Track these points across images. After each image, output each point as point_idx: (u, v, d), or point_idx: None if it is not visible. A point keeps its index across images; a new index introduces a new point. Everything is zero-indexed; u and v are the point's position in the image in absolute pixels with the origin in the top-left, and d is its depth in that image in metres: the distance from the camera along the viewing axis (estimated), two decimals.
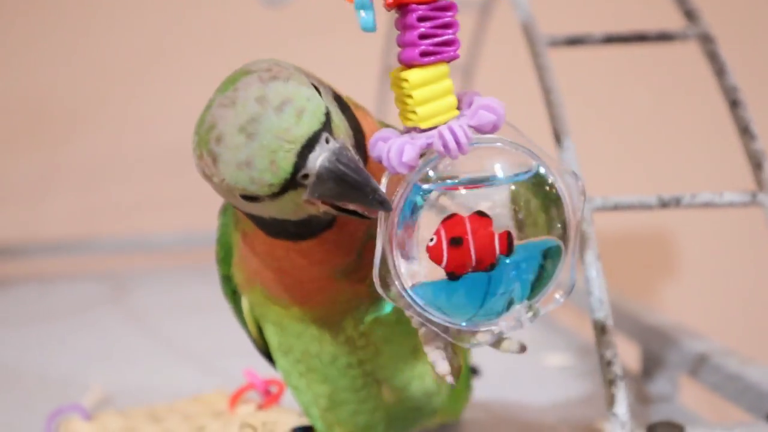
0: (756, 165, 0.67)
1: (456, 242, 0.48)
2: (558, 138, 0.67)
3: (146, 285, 1.46)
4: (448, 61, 0.49)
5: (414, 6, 0.48)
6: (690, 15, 0.75)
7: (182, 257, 1.58)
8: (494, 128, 0.49)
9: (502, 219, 0.48)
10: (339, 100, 0.52)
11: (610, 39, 0.75)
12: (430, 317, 0.50)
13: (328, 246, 0.53)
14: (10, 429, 0.85)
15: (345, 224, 0.53)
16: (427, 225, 0.48)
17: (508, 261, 0.48)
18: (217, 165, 0.48)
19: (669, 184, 1.42)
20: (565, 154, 0.66)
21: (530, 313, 0.50)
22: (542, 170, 0.49)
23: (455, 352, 0.54)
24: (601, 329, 0.62)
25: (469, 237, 0.48)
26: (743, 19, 1.54)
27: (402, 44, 0.49)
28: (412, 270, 0.49)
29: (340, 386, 0.60)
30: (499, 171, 0.49)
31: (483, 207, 0.48)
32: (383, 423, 0.62)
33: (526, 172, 0.49)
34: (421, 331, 0.53)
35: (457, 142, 0.48)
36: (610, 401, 0.60)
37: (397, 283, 0.49)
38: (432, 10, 0.48)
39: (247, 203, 0.50)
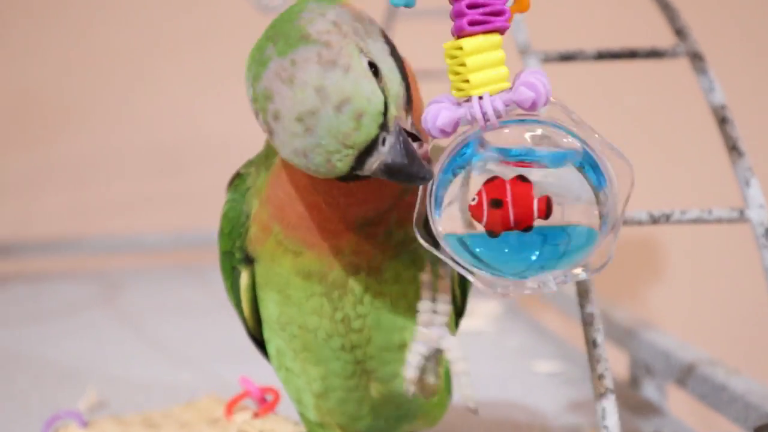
0: (744, 182, 0.69)
1: (496, 204, 0.50)
2: None
3: (138, 285, 1.47)
4: (499, 31, 0.50)
5: None
6: (680, 33, 0.76)
7: (174, 257, 1.58)
8: (533, 106, 0.50)
9: (547, 187, 0.50)
10: (394, 53, 0.53)
11: (602, 55, 0.76)
12: (458, 261, 0.52)
13: (369, 187, 0.55)
14: (5, 430, 0.85)
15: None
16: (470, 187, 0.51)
17: (545, 229, 0.50)
18: (273, 138, 0.50)
19: (658, 199, 1.44)
20: None
21: (558, 279, 0.52)
22: (589, 152, 0.51)
23: (438, 363, 0.56)
24: (592, 343, 0.63)
25: (509, 200, 0.50)
26: (732, 37, 1.56)
27: (453, 16, 0.50)
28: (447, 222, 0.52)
29: (331, 370, 0.60)
30: (545, 152, 0.51)
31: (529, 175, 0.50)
32: (369, 417, 0.63)
33: (565, 156, 0.51)
34: (421, 315, 0.56)
35: (486, 115, 0.49)
36: (602, 414, 0.61)
37: (434, 227, 0.51)
38: None
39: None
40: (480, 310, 1.22)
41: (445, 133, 0.50)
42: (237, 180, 0.61)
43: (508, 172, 0.51)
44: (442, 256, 0.52)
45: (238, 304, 0.63)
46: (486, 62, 0.50)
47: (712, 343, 1.03)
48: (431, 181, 0.51)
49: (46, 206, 1.62)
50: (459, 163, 0.51)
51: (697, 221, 0.68)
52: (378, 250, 0.57)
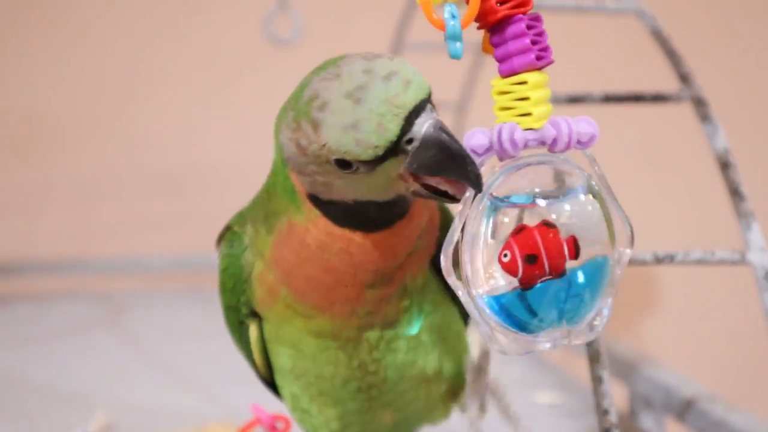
0: (745, 225, 0.71)
1: (531, 260, 0.51)
2: None
3: (142, 307, 1.48)
4: (547, 65, 0.52)
5: (520, 15, 0.51)
6: (684, 78, 0.79)
7: (178, 280, 1.59)
8: (591, 140, 0.52)
9: (571, 228, 0.51)
10: None
11: (609, 99, 0.78)
12: (484, 317, 0.52)
13: (392, 241, 0.55)
14: None
15: (413, 217, 0.55)
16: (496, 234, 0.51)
17: (577, 269, 0.51)
18: (319, 130, 0.50)
19: (661, 239, 1.46)
20: None
21: (569, 338, 0.53)
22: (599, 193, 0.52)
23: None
24: (598, 379, 0.65)
25: (542, 252, 0.51)
26: (735, 83, 1.59)
27: (507, 55, 0.52)
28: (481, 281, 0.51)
29: (348, 409, 0.62)
30: (568, 186, 0.52)
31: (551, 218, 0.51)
32: None
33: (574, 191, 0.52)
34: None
35: (570, 135, 0.51)
36: None
37: (465, 276, 0.51)
38: (531, 20, 0.52)
39: (339, 176, 0.51)
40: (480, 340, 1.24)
41: (516, 149, 0.50)
42: (230, 235, 0.61)
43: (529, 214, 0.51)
44: (472, 311, 0.52)
45: (248, 354, 0.64)
46: (544, 97, 0.52)
47: (709, 378, 1.05)
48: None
49: (50, 227, 1.62)
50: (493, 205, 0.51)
51: (700, 262, 0.70)
52: (393, 307, 0.58)
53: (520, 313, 0.51)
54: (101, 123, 1.63)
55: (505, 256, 0.51)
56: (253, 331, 0.61)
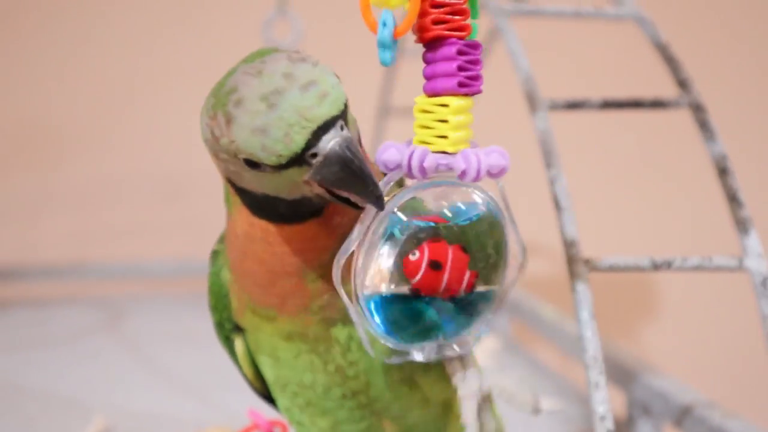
0: (743, 231, 0.71)
1: (435, 266, 0.52)
2: (557, 201, 0.71)
3: (141, 312, 1.48)
4: (474, 94, 0.53)
5: (454, 39, 0.52)
6: (683, 84, 0.79)
7: (177, 285, 1.59)
8: (501, 173, 0.52)
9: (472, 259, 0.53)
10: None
11: (608, 104, 0.79)
12: (371, 324, 0.53)
13: (308, 235, 0.55)
14: None
15: (330, 217, 0.55)
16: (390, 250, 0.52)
17: (462, 299, 0.53)
18: (231, 126, 0.50)
19: (659, 245, 1.47)
20: (564, 217, 0.70)
21: (435, 350, 0.55)
22: (498, 218, 0.54)
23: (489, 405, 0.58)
24: (595, 385, 0.65)
25: (448, 266, 0.52)
26: (734, 89, 1.59)
27: (433, 75, 0.52)
28: (367, 280, 0.52)
29: (340, 419, 0.61)
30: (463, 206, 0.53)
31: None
32: None
33: (479, 213, 0.53)
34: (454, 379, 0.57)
35: (479, 170, 0.51)
36: None
37: (355, 283, 0.52)
38: (466, 46, 0.52)
39: (247, 170, 0.52)
40: (478, 347, 1.24)
41: (423, 175, 0.52)
42: (212, 255, 0.62)
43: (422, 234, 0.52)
44: (354, 314, 0.53)
45: (240, 369, 0.64)
46: (463, 123, 0.52)
47: (707, 384, 1.05)
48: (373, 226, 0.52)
49: (51, 232, 1.63)
50: (401, 222, 0.52)
51: (697, 269, 0.70)
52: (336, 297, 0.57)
53: (390, 314, 0.53)
54: (102, 128, 1.63)
55: (413, 254, 0.52)
56: (238, 345, 0.62)
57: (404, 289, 0.52)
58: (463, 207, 0.53)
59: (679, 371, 1.02)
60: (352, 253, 0.53)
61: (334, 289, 0.55)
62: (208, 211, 1.64)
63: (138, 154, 1.64)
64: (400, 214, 0.52)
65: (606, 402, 0.64)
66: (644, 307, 1.58)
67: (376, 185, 0.50)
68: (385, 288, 0.52)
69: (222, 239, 0.62)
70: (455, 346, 0.55)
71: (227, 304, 0.61)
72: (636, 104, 0.79)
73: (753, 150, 1.54)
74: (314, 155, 0.50)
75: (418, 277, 0.52)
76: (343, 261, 0.52)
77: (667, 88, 0.83)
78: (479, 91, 0.53)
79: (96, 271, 1.58)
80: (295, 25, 1.08)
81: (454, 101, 0.52)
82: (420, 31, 0.52)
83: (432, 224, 0.53)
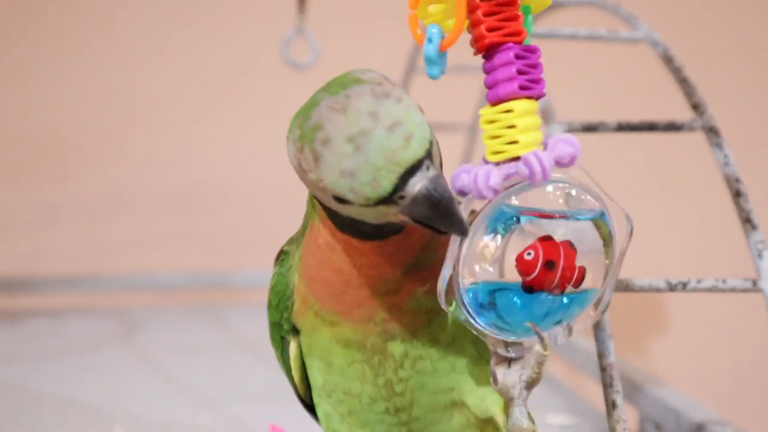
0: (756, 254, 0.73)
1: (550, 265, 0.53)
2: None
3: (155, 324, 1.49)
4: (537, 97, 0.54)
5: (511, 44, 0.53)
6: (696, 108, 0.80)
7: (191, 297, 1.61)
8: (572, 160, 0.53)
9: (581, 257, 0.54)
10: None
11: (622, 127, 0.80)
12: (483, 330, 0.55)
13: (387, 251, 0.57)
14: None
15: (409, 235, 0.57)
16: (512, 247, 0.54)
17: (572, 295, 0.54)
18: (319, 165, 0.51)
19: (673, 267, 1.48)
20: None
21: (566, 332, 0.56)
22: (605, 214, 0.55)
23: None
24: (612, 404, 0.66)
25: (560, 264, 0.53)
26: (748, 112, 1.60)
27: (494, 82, 0.54)
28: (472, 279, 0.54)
29: (377, 431, 0.63)
30: (573, 207, 0.54)
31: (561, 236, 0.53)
32: None
33: (592, 213, 0.54)
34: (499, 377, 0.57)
35: (542, 167, 0.52)
36: None
37: (458, 296, 0.54)
38: (523, 50, 0.53)
39: (336, 203, 0.53)
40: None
41: (495, 193, 0.53)
42: (282, 256, 0.64)
43: (536, 230, 0.54)
44: (462, 320, 0.55)
45: (288, 371, 0.65)
46: (531, 125, 0.53)
47: (719, 402, 1.06)
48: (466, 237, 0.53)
49: (65, 243, 1.64)
50: (500, 221, 0.54)
51: (712, 290, 0.71)
52: (409, 317, 0.59)
53: (503, 304, 0.54)
54: (115, 141, 1.64)
55: (529, 254, 0.53)
56: (293, 347, 0.63)
57: (516, 284, 0.53)
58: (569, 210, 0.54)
59: (691, 388, 1.03)
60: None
61: (401, 304, 0.58)
62: (221, 223, 1.66)
63: (152, 165, 1.65)
64: (508, 209, 0.53)
65: (623, 421, 0.66)
66: (656, 323, 1.59)
67: (461, 220, 0.52)
68: (492, 281, 0.54)
69: (292, 241, 0.64)
70: (555, 336, 0.56)
71: (289, 305, 0.62)
72: (650, 127, 0.80)
73: (767, 171, 1.55)
74: (402, 197, 0.52)
75: (534, 275, 0.53)
76: (444, 284, 0.54)
77: (680, 110, 0.84)
78: (542, 94, 0.54)
79: (110, 283, 1.59)
80: (313, 44, 1.10)
81: (518, 105, 0.53)
82: (476, 41, 0.54)
83: (536, 218, 0.54)
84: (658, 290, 0.71)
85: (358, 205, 0.52)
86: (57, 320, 1.50)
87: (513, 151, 0.53)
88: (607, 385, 0.67)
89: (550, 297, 0.54)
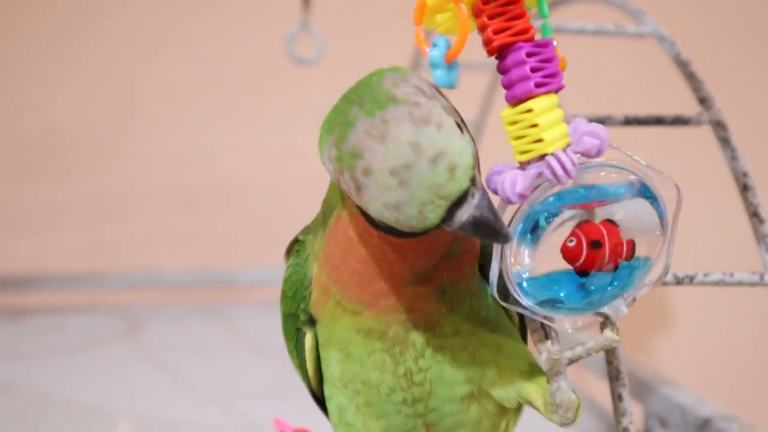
0: (764, 247, 0.72)
1: (595, 245, 0.54)
2: None
3: (159, 321, 1.49)
4: (557, 90, 0.54)
5: (520, 44, 0.53)
6: (704, 102, 0.80)
7: (195, 295, 1.60)
8: (599, 152, 0.53)
9: (627, 231, 0.55)
10: (462, 121, 0.55)
11: (629, 121, 0.79)
12: (539, 313, 0.56)
13: (422, 246, 0.56)
14: None
15: (435, 234, 0.56)
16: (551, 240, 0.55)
17: (627, 264, 0.55)
18: (362, 194, 0.51)
19: (680, 260, 1.47)
20: None
21: (629, 300, 0.57)
22: (648, 185, 0.55)
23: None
24: (618, 397, 0.66)
25: (606, 241, 0.53)
26: (754, 105, 1.60)
27: (510, 83, 0.53)
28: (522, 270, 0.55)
29: (392, 424, 0.62)
30: (612, 187, 0.55)
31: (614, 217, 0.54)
32: None
33: (630, 188, 0.55)
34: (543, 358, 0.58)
35: (564, 168, 0.52)
36: None
37: (511, 289, 0.55)
38: (534, 46, 0.53)
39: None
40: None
41: (523, 198, 0.53)
42: (297, 245, 0.63)
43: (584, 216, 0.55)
44: (519, 310, 0.56)
45: (301, 364, 0.65)
46: (554, 120, 0.53)
47: (725, 398, 1.06)
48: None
49: (69, 241, 1.64)
50: (548, 211, 0.54)
51: (719, 284, 0.71)
52: (433, 306, 0.59)
53: (561, 289, 0.55)
54: (119, 139, 1.64)
55: (571, 241, 0.54)
56: (308, 339, 0.63)
57: (570, 272, 0.54)
58: (609, 188, 0.55)
59: (696, 384, 1.03)
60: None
61: (427, 294, 0.58)
62: (224, 221, 1.66)
63: (154, 164, 1.65)
64: (543, 207, 0.54)
65: (629, 414, 0.66)
66: (661, 319, 1.59)
67: (505, 234, 0.52)
68: (543, 273, 0.55)
69: (308, 230, 0.63)
70: (618, 308, 0.57)
71: (306, 295, 0.62)
72: (657, 121, 0.80)
73: None
74: (449, 224, 0.52)
75: (582, 259, 0.54)
76: (495, 279, 0.55)
77: (688, 104, 0.84)
78: (561, 86, 0.54)
79: (114, 281, 1.59)
80: (317, 40, 1.09)
81: (536, 103, 0.53)
82: (485, 44, 0.53)
83: (576, 211, 0.55)
84: (665, 284, 0.70)
85: (403, 227, 0.52)
86: (61, 318, 1.50)
87: (540, 149, 0.53)
88: (613, 378, 0.66)
89: (606, 274, 0.55)
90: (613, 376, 0.67)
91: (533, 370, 0.62)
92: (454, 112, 0.54)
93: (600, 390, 1.09)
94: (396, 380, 0.61)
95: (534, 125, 0.53)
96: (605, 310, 0.56)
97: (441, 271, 0.58)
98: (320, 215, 0.62)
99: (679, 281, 0.71)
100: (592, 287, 0.55)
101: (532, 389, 0.61)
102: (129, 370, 1.22)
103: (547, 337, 0.58)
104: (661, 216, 0.56)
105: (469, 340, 0.60)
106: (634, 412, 0.99)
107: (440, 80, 0.54)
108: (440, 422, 0.62)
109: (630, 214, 0.55)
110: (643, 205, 0.55)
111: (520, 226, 0.54)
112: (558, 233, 0.54)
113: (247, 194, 1.63)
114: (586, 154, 0.53)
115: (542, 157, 0.53)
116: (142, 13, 1.63)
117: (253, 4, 1.62)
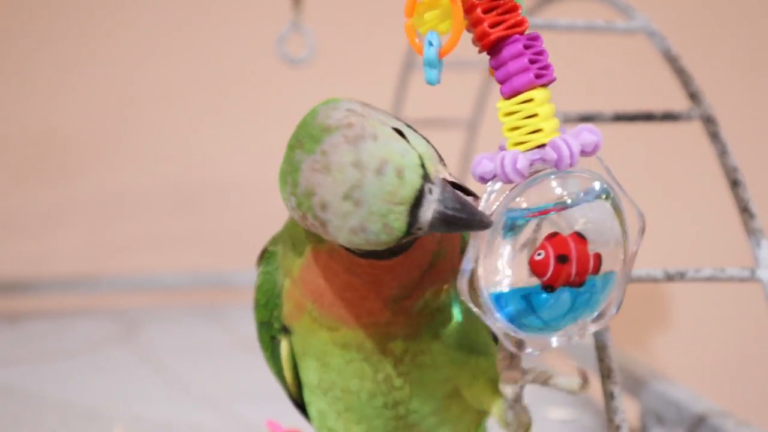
0: (755, 243, 0.72)
1: (563, 259, 0.53)
2: None
3: (156, 324, 1.49)
4: (549, 83, 0.54)
5: (516, 36, 0.53)
6: (693, 97, 0.80)
7: (192, 297, 1.60)
8: (595, 149, 0.53)
9: (595, 241, 0.54)
10: (410, 126, 0.55)
11: (619, 117, 0.79)
12: (498, 323, 0.54)
13: (410, 259, 0.56)
14: None
15: (421, 245, 0.56)
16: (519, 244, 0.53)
17: (594, 282, 0.54)
18: (327, 229, 0.51)
19: (672, 256, 1.47)
20: None
21: (581, 331, 0.55)
22: (612, 196, 0.54)
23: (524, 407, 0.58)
24: (610, 395, 0.66)
25: (573, 255, 0.53)
26: (745, 100, 1.60)
27: (507, 76, 0.53)
28: (494, 280, 0.54)
29: (373, 427, 0.62)
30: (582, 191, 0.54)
31: (580, 227, 0.53)
32: None
33: (591, 191, 0.54)
34: (502, 371, 0.57)
35: (570, 151, 0.52)
36: None
37: (481, 289, 0.53)
38: (528, 39, 0.53)
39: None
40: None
41: (522, 177, 0.52)
42: (267, 255, 0.63)
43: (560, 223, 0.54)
44: (482, 316, 0.54)
45: (278, 372, 0.64)
46: (551, 111, 0.53)
47: (720, 393, 1.06)
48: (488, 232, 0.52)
49: (66, 244, 1.64)
50: (514, 219, 0.53)
51: (710, 279, 0.71)
52: (414, 319, 0.58)
53: (525, 313, 0.54)
54: (115, 141, 1.64)
55: (539, 255, 0.53)
56: (284, 346, 0.62)
57: (536, 285, 0.53)
58: (581, 193, 0.54)
59: (692, 380, 1.02)
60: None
61: (409, 305, 0.57)
62: (221, 223, 1.66)
63: (151, 166, 1.65)
64: (509, 215, 0.53)
65: (622, 412, 0.65)
66: (656, 315, 1.59)
67: (481, 219, 0.51)
68: (512, 285, 0.53)
69: (276, 241, 0.63)
70: (571, 335, 0.56)
71: (279, 303, 0.61)
72: (647, 117, 0.80)
73: (764, 160, 1.55)
74: (419, 228, 0.51)
75: (549, 273, 0.53)
76: (465, 278, 0.53)
77: (678, 101, 0.83)
78: (553, 79, 0.53)
79: (110, 284, 1.59)
80: (309, 40, 1.09)
81: (537, 94, 0.53)
82: (480, 39, 0.53)
83: (542, 216, 0.53)
84: (655, 280, 0.70)
85: (375, 247, 0.52)
86: (57, 321, 1.50)
87: (538, 139, 0.53)
88: (605, 377, 0.66)
89: (574, 290, 0.53)
90: (605, 373, 0.67)
91: (495, 381, 0.62)
92: (394, 119, 0.54)
93: (596, 388, 1.09)
94: (376, 386, 0.60)
95: (533, 115, 0.53)
96: (557, 336, 0.55)
97: (425, 282, 0.58)
98: (288, 237, 0.61)
99: (670, 277, 0.70)
100: (560, 304, 0.54)
101: (491, 400, 0.61)
102: (126, 373, 1.22)
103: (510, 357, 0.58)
104: (624, 229, 0.55)
105: (448, 343, 0.60)
106: (631, 408, 0.99)
107: (433, 78, 0.53)
108: (422, 422, 0.62)
109: (592, 223, 0.54)
110: (605, 213, 0.54)
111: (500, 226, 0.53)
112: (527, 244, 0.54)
113: (244, 196, 1.63)
114: (583, 149, 0.53)
115: (539, 147, 0.53)
116: (137, 14, 1.63)
117: (246, 6, 1.62)
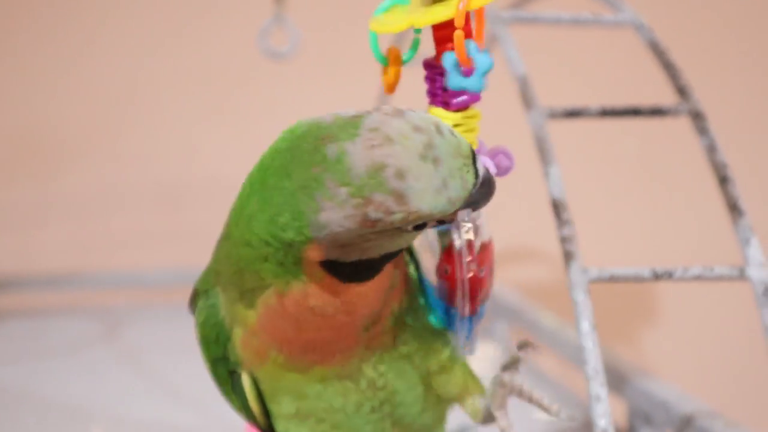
0: (744, 241, 0.71)
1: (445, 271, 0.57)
2: (557, 210, 0.70)
3: (139, 322, 1.47)
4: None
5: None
6: (682, 91, 0.78)
7: (176, 295, 1.59)
8: (506, 171, 0.56)
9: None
10: None
11: (606, 113, 0.78)
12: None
13: (380, 284, 0.56)
14: None
15: (385, 275, 0.56)
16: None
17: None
18: (408, 199, 0.49)
19: (660, 255, 1.46)
20: (564, 227, 0.69)
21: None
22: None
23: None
24: (596, 398, 0.64)
25: (457, 267, 0.57)
26: (734, 96, 1.59)
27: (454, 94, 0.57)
28: None
29: None
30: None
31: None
32: None
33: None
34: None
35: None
36: None
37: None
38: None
39: (399, 233, 0.51)
40: (478, 354, 1.23)
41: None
42: (201, 293, 0.60)
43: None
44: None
45: (242, 406, 0.62)
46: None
47: (709, 394, 1.04)
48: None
49: (48, 241, 1.62)
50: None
51: (699, 278, 0.69)
52: (386, 337, 0.58)
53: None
54: (99, 137, 1.63)
55: (446, 271, 0.58)
56: (246, 379, 0.60)
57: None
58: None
59: (681, 380, 1.01)
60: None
61: (380, 328, 0.58)
62: (207, 220, 1.64)
63: (137, 163, 1.64)
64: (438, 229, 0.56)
65: (607, 415, 0.64)
66: (645, 314, 1.58)
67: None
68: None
69: (206, 281, 0.60)
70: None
71: (230, 336, 0.58)
72: (635, 112, 0.78)
73: (754, 158, 1.54)
74: (475, 184, 0.51)
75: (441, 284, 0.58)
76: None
77: (666, 95, 0.82)
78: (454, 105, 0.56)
79: (94, 281, 1.57)
80: (292, 33, 1.07)
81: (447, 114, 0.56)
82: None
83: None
84: (643, 280, 0.69)
85: (444, 214, 0.51)
86: (40, 320, 1.48)
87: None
88: (591, 378, 0.65)
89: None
90: (591, 375, 0.65)
91: (465, 373, 0.64)
92: None
93: (585, 387, 1.08)
94: (360, 395, 0.59)
95: (473, 130, 0.56)
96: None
97: (389, 303, 0.58)
98: (227, 283, 0.58)
99: (657, 277, 0.69)
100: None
101: (459, 391, 0.63)
102: (107, 373, 1.21)
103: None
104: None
105: (424, 336, 0.61)
106: (618, 408, 0.98)
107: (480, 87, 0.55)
108: (407, 413, 0.62)
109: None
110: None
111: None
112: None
113: (229, 192, 1.60)
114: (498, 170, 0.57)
115: None
116: (123, 12, 1.62)
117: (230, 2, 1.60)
